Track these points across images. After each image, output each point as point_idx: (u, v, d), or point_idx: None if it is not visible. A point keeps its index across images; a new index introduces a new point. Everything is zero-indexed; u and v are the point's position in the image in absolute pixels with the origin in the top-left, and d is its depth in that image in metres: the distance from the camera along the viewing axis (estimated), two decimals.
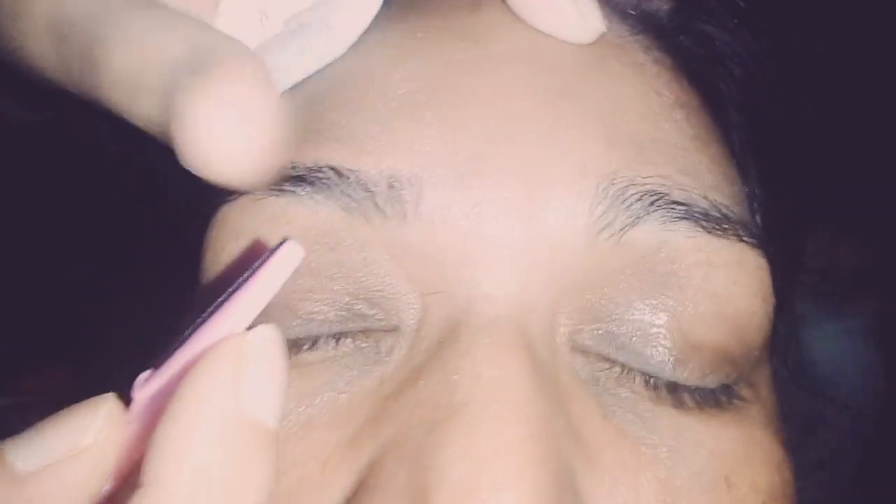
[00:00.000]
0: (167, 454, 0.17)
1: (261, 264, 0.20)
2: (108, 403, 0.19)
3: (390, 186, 0.26)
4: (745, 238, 0.28)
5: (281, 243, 0.20)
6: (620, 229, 0.27)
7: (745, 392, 0.30)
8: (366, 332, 0.27)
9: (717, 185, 0.29)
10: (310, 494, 0.25)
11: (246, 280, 0.20)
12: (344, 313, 0.27)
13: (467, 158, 0.27)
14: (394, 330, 0.27)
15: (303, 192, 0.27)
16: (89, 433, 0.18)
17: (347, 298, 0.27)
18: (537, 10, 0.29)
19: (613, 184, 0.27)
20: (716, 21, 0.34)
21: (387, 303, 0.27)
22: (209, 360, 0.18)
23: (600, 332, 0.27)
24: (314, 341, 0.27)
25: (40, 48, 0.22)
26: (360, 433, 0.25)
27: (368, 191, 0.26)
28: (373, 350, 0.27)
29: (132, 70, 0.19)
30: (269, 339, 0.19)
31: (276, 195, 0.27)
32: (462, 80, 0.28)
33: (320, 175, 0.27)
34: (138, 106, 0.20)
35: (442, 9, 0.31)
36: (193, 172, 0.19)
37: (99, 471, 0.18)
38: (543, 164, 0.27)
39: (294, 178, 0.27)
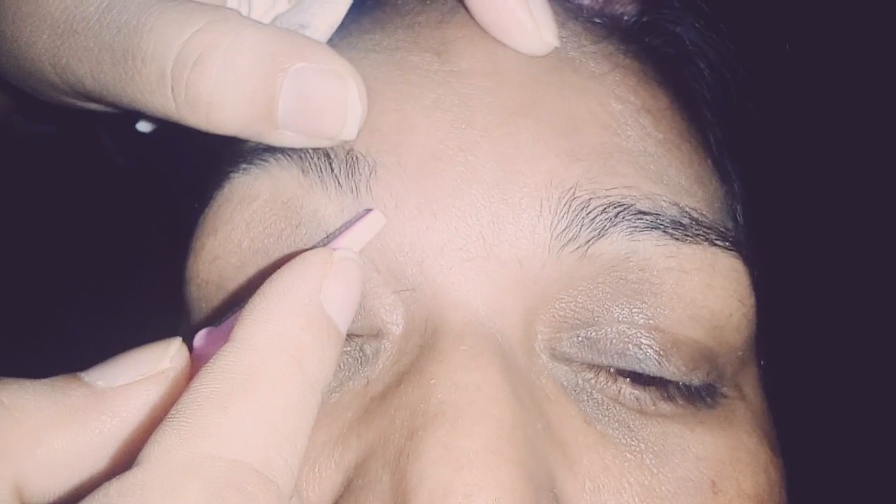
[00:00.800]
0: (252, 319, 0.20)
1: (344, 228, 0.25)
2: (177, 342, 0.22)
3: (347, 156, 0.28)
4: (717, 242, 0.28)
5: (367, 211, 0.26)
6: (586, 242, 0.27)
7: (729, 392, 0.29)
8: (351, 336, 0.28)
9: (689, 189, 0.29)
10: (300, 491, 0.25)
11: (332, 238, 0.25)
12: None
13: (424, 157, 0.27)
14: (377, 335, 0.28)
15: (268, 160, 0.28)
16: (165, 360, 0.22)
17: None
18: (497, 19, 0.29)
19: (575, 197, 0.27)
20: (682, 20, 0.34)
21: (362, 295, 0.27)
22: (299, 260, 0.21)
23: (580, 338, 0.27)
24: None
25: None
26: (347, 433, 0.26)
27: (327, 156, 0.28)
28: (358, 353, 0.28)
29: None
30: (352, 259, 0.23)
31: (244, 172, 0.29)
32: (424, 88, 0.29)
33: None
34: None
35: (409, 24, 0.32)
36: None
37: (171, 391, 0.21)
38: (504, 177, 0.27)
39: (263, 150, 0.29)
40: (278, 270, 0.21)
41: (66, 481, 0.20)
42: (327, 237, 0.28)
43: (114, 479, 0.17)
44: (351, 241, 0.25)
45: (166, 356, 0.22)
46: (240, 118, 0.26)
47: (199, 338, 0.24)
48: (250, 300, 0.20)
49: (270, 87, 0.26)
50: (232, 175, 0.30)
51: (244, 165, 0.29)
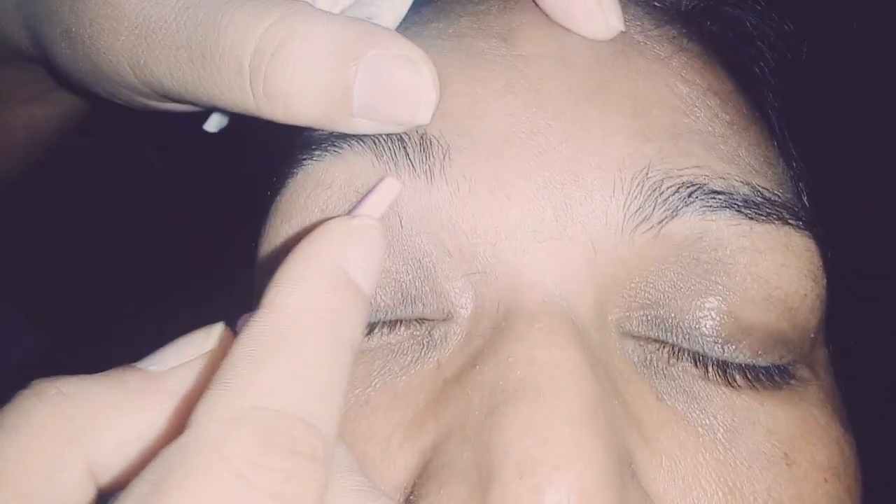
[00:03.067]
0: (280, 285, 0.21)
1: (363, 198, 0.26)
2: (220, 325, 0.24)
3: (421, 140, 0.28)
4: (790, 221, 0.28)
5: (381, 180, 0.27)
6: (659, 222, 0.27)
7: (802, 373, 0.29)
8: (420, 320, 0.28)
9: (759, 169, 0.29)
10: (373, 470, 0.26)
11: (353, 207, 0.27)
12: (399, 296, 0.28)
13: (497, 140, 0.28)
14: (447, 318, 0.28)
15: (342, 147, 0.29)
16: (210, 342, 0.23)
17: (396, 275, 0.28)
18: (563, 5, 0.30)
19: (648, 178, 0.27)
20: (742, 3, 0.34)
21: (432, 280, 0.28)
22: (322, 229, 0.22)
23: (649, 317, 0.27)
24: (371, 328, 0.28)
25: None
26: (422, 415, 0.26)
27: (401, 141, 0.28)
28: (426, 337, 0.28)
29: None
30: (372, 224, 0.23)
31: (318, 158, 0.29)
32: (493, 73, 0.29)
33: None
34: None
35: (472, 11, 0.32)
36: None
37: (216, 367, 0.21)
38: (576, 158, 0.27)
39: (336, 137, 0.29)
40: (303, 239, 0.22)
41: (131, 458, 0.21)
42: (348, 209, 0.28)
43: (170, 444, 0.18)
44: (369, 209, 0.26)
45: (211, 338, 0.23)
46: (317, 108, 0.27)
47: (242, 321, 0.25)
48: (278, 268, 0.21)
49: (345, 76, 0.26)
50: (305, 162, 0.30)
51: (318, 152, 0.30)
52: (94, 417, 0.20)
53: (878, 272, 0.34)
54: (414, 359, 0.28)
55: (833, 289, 0.31)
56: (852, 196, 0.34)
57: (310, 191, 0.29)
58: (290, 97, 0.26)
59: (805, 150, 0.33)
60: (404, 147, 0.28)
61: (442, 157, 0.28)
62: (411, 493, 0.25)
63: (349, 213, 0.27)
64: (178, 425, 0.19)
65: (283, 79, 0.26)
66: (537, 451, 0.22)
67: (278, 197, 0.31)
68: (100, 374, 0.22)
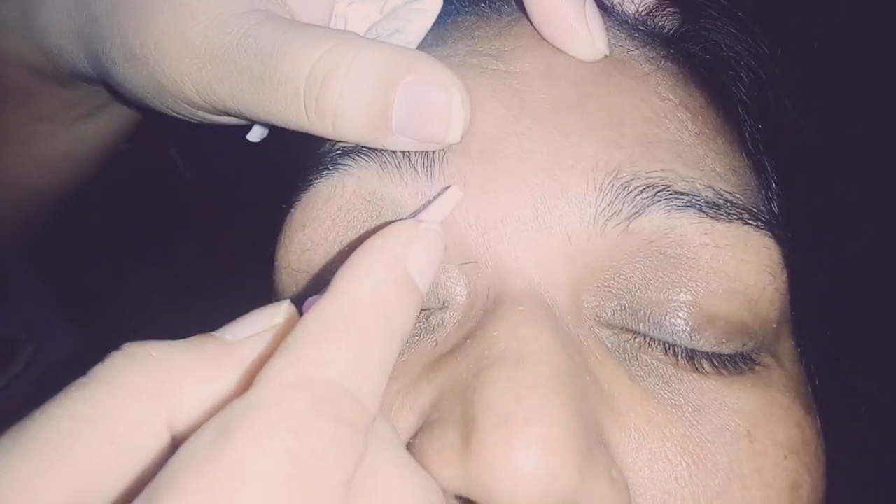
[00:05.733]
0: (347, 275, 0.24)
1: (427, 204, 0.30)
2: (286, 303, 0.26)
3: None
4: (749, 221, 0.31)
5: (446, 188, 0.30)
6: (627, 218, 0.30)
7: (766, 360, 0.32)
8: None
9: (723, 175, 0.32)
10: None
11: (417, 212, 0.30)
12: None
13: (486, 140, 0.31)
14: (443, 306, 0.31)
15: (349, 163, 0.32)
16: (279, 316, 0.26)
17: None
18: (554, 26, 0.33)
19: (618, 178, 0.30)
20: (719, 27, 0.37)
21: None
22: (390, 228, 0.25)
23: (622, 307, 0.31)
24: None
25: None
26: (419, 380, 0.30)
27: (405, 151, 0.31)
28: (424, 324, 0.32)
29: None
30: (435, 229, 0.26)
31: (327, 177, 0.33)
32: (481, 82, 0.33)
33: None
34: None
35: (468, 35, 0.36)
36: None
37: (282, 338, 0.24)
38: (555, 160, 0.31)
39: (342, 154, 0.33)
40: (372, 236, 0.25)
41: (204, 413, 0.23)
42: (413, 212, 0.32)
43: (237, 399, 0.21)
44: (432, 215, 0.29)
45: (280, 313, 0.26)
46: (361, 126, 0.30)
47: (308, 303, 0.28)
48: (347, 260, 0.24)
49: (385, 98, 0.30)
50: (317, 180, 0.34)
51: (326, 171, 0.33)
52: (175, 377, 0.23)
53: (841, 273, 0.37)
54: (412, 342, 0.31)
55: (798, 286, 0.34)
56: (820, 202, 0.37)
57: (321, 203, 0.33)
58: (338, 117, 0.30)
59: (776, 161, 0.36)
60: (406, 153, 0.32)
61: (441, 158, 0.31)
62: (411, 440, 0.28)
63: (414, 215, 0.30)
64: (246, 386, 0.22)
65: (332, 101, 0.30)
66: (512, 407, 0.25)
67: (292, 210, 0.34)
68: (182, 340, 0.24)
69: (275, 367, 0.21)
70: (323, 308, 0.23)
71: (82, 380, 0.22)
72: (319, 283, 0.34)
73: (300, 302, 0.32)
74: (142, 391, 0.22)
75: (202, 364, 0.23)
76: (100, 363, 0.22)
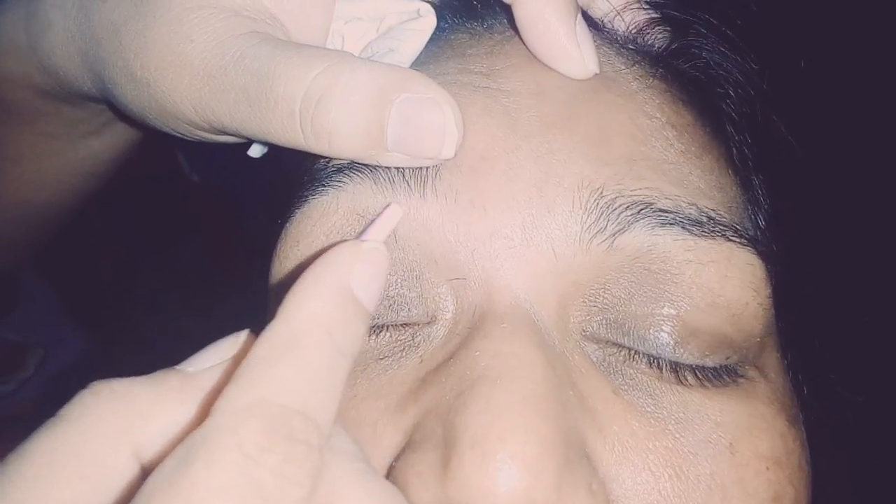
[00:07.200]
0: (292, 299, 0.24)
1: (370, 223, 0.30)
2: (245, 332, 0.27)
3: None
4: (732, 238, 0.32)
5: (386, 206, 0.30)
6: (612, 235, 0.31)
7: (751, 373, 0.33)
8: (404, 325, 0.32)
9: (707, 192, 0.33)
10: (364, 451, 0.29)
11: (361, 232, 0.30)
12: (385, 303, 0.32)
13: (476, 157, 0.32)
14: (430, 322, 0.32)
15: (343, 180, 0.33)
16: (237, 346, 0.26)
17: (386, 285, 0.31)
18: (546, 44, 0.34)
19: (602, 196, 0.31)
20: (708, 45, 0.38)
21: (419, 286, 0.32)
22: (333, 250, 0.25)
23: (608, 321, 0.31)
24: None
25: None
26: (404, 400, 0.30)
27: (399, 167, 0.32)
28: (409, 340, 0.32)
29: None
30: (378, 248, 0.26)
31: (322, 193, 0.34)
32: (473, 99, 0.34)
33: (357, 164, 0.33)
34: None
35: (460, 54, 0.37)
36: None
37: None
38: (542, 177, 0.32)
39: (336, 171, 0.33)
40: (317, 259, 0.25)
41: (170, 442, 0.24)
42: (354, 231, 0.32)
43: (196, 429, 0.22)
44: (375, 234, 0.29)
45: (238, 343, 0.27)
46: (356, 144, 0.31)
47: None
48: (294, 283, 0.25)
49: (380, 116, 0.30)
50: (311, 197, 0.34)
51: (321, 188, 0.34)
52: (138, 410, 0.24)
53: (827, 287, 0.37)
54: (397, 358, 0.32)
55: (784, 300, 0.34)
56: (806, 217, 0.37)
57: (315, 220, 0.34)
58: (333, 135, 0.31)
59: (763, 177, 0.37)
60: (400, 169, 0.32)
61: (434, 175, 0.32)
62: (394, 461, 0.29)
63: (357, 236, 0.30)
64: (205, 415, 0.23)
65: (328, 120, 0.31)
66: (488, 426, 0.26)
67: (287, 224, 0.35)
68: (147, 375, 0.25)
69: (228, 394, 0.22)
70: (272, 332, 0.24)
71: (53, 419, 0.23)
72: None
73: None
74: (107, 426, 0.23)
75: (164, 396, 0.24)
76: (68, 403, 0.23)
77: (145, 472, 0.24)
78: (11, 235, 0.56)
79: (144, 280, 1.08)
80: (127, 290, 1.07)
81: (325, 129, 0.31)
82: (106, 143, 0.50)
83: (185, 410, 0.25)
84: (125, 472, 0.23)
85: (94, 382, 0.24)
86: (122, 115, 0.41)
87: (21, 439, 0.23)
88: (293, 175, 0.39)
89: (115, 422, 0.23)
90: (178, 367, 0.26)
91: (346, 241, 0.27)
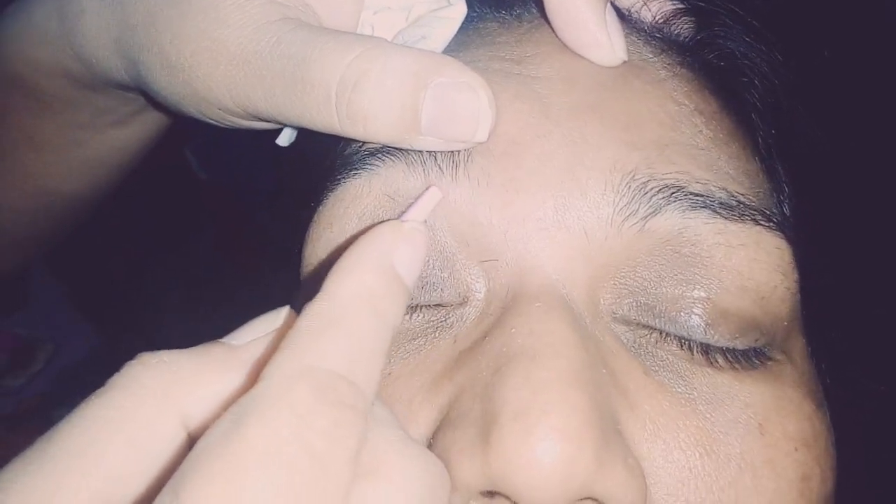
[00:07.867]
0: (335, 278, 0.25)
1: (411, 204, 0.31)
2: (286, 308, 0.28)
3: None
4: (761, 222, 0.32)
5: (427, 188, 0.31)
6: (643, 218, 0.31)
7: (778, 356, 0.33)
8: (437, 305, 0.33)
9: (736, 177, 0.34)
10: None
11: (402, 213, 0.31)
12: (419, 283, 0.32)
13: (508, 141, 0.33)
14: (462, 302, 0.32)
15: (376, 163, 0.33)
16: (279, 321, 0.27)
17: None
18: (575, 32, 0.35)
19: (634, 179, 0.32)
20: (734, 35, 0.38)
21: (451, 267, 0.32)
22: (376, 229, 0.26)
23: (639, 303, 0.32)
24: None
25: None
26: (439, 378, 0.31)
27: (431, 151, 0.33)
28: (442, 321, 0.33)
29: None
30: (418, 227, 0.27)
31: (354, 176, 0.34)
32: (505, 85, 0.34)
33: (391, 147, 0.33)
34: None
35: (490, 42, 0.37)
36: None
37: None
38: (574, 161, 0.32)
39: (369, 155, 0.34)
40: (360, 237, 0.26)
41: (215, 410, 0.25)
42: (399, 213, 0.33)
43: (245, 395, 0.22)
44: (415, 214, 0.30)
45: (280, 318, 0.27)
46: (391, 128, 0.31)
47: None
48: (337, 261, 0.25)
49: (414, 100, 0.31)
50: (344, 180, 0.35)
51: (354, 171, 0.34)
52: (186, 379, 0.24)
53: (851, 275, 0.38)
54: (431, 339, 0.32)
55: (809, 286, 0.35)
56: (830, 206, 0.38)
57: (348, 202, 0.34)
58: (369, 119, 0.31)
59: (788, 166, 0.37)
60: (432, 153, 0.33)
61: (466, 158, 0.32)
62: (432, 438, 0.29)
63: (399, 217, 0.31)
64: (253, 383, 0.23)
65: (363, 104, 0.31)
66: (530, 400, 0.27)
67: (320, 207, 0.36)
68: (192, 348, 0.26)
69: (277, 361, 0.23)
70: (318, 305, 0.24)
71: (101, 389, 0.23)
72: None
73: None
74: (155, 394, 0.23)
75: (211, 366, 0.25)
76: (116, 373, 0.24)
77: (192, 440, 0.24)
78: (35, 228, 0.56)
79: (154, 277, 1.09)
80: (136, 286, 1.07)
81: (361, 114, 0.31)
82: (131, 134, 0.50)
83: (230, 379, 0.25)
84: (173, 439, 0.24)
85: (142, 353, 0.25)
86: (154, 102, 0.41)
87: (34, 433, 0.23)
88: (316, 163, 0.39)
89: (163, 390, 0.24)
90: (221, 340, 0.27)
91: (387, 220, 0.27)
